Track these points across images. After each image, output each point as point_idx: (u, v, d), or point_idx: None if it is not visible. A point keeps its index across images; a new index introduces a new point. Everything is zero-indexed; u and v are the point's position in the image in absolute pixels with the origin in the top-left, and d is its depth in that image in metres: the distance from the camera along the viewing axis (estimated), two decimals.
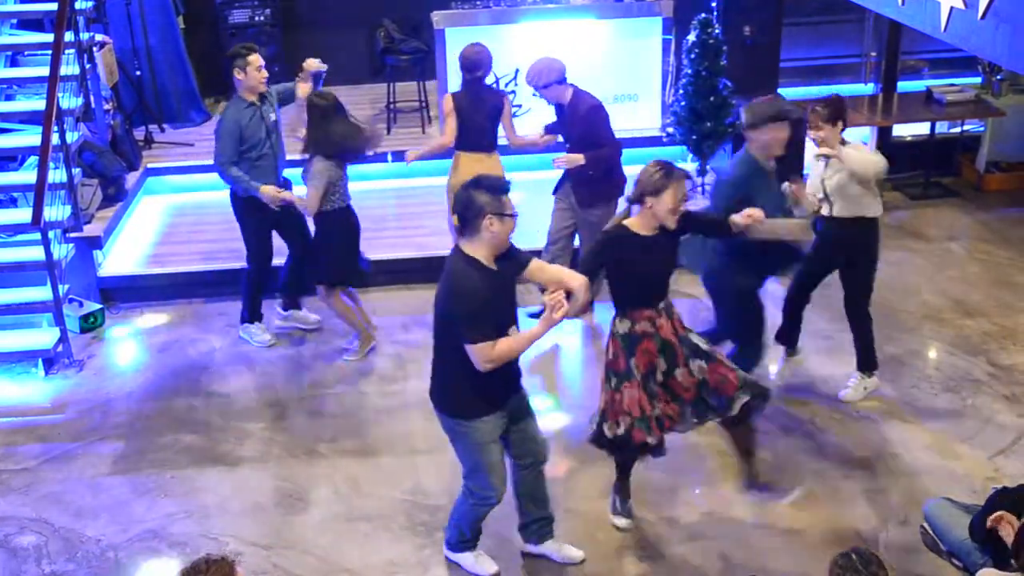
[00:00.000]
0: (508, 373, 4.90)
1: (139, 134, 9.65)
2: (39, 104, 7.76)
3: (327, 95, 6.82)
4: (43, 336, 7.33)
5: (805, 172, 6.77)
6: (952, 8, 4.72)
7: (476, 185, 4.69)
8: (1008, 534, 4.77)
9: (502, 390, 4.93)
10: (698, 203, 8.83)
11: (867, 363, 6.60)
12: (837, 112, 6.09)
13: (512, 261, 4.83)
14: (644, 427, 5.26)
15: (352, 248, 7.05)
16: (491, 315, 4.65)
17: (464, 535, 5.29)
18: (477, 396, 4.84)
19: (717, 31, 8.58)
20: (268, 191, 6.91)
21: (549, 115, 7.43)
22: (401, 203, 9.15)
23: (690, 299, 7.74)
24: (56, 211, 7.52)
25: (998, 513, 4.86)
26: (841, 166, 6.10)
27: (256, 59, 6.90)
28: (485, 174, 5.01)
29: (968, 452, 6.11)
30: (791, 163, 6.49)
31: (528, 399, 5.16)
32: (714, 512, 5.73)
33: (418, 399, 6.78)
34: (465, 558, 5.35)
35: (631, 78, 9.42)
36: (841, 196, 6.20)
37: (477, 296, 4.60)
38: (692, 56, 8.59)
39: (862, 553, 3.90)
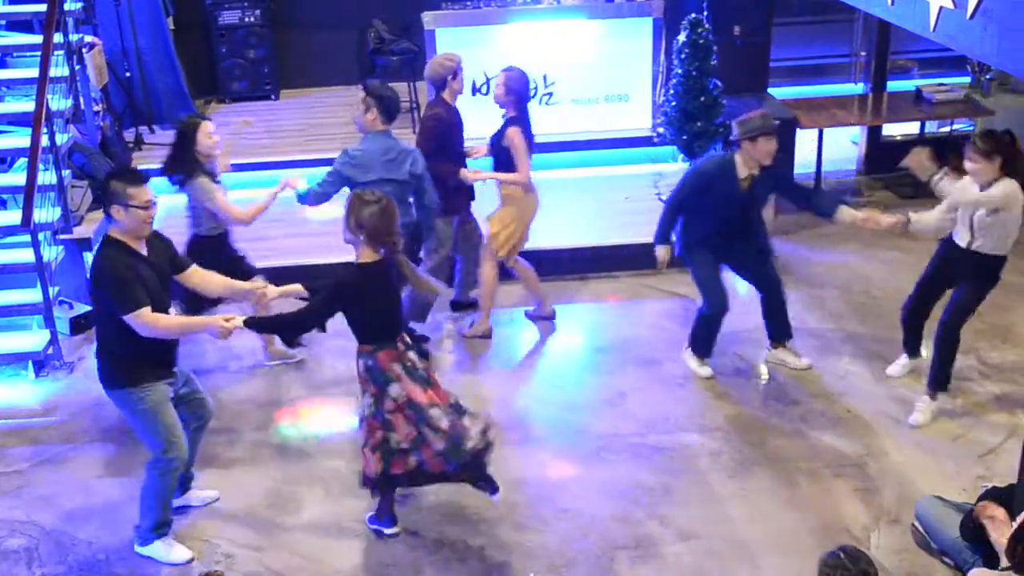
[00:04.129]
0: (170, 344, 5.29)
1: (129, 135, 9.61)
2: (28, 106, 7.73)
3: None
4: (33, 338, 7.31)
5: None
6: (941, 8, 4.72)
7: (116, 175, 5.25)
8: (995, 529, 4.80)
9: (167, 357, 5.30)
10: None
11: (940, 383, 6.39)
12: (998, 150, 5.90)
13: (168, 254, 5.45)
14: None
15: None
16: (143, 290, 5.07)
17: (161, 516, 5.43)
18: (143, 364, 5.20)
19: (707, 31, 8.59)
20: None
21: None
22: None
23: (682, 299, 7.75)
24: (46, 213, 7.49)
25: (983, 504, 4.90)
26: (993, 209, 5.98)
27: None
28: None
29: (959, 451, 6.13)
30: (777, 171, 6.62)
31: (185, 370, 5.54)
32: (707, 512, 5.73)
33: None
34: (156, 548, 5.46)
35: (621, 78, 9.42)
36: (988, 235, 6.07)
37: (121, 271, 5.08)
38: (682, 56, 8.58)
39: (850, 551, 3.92)
